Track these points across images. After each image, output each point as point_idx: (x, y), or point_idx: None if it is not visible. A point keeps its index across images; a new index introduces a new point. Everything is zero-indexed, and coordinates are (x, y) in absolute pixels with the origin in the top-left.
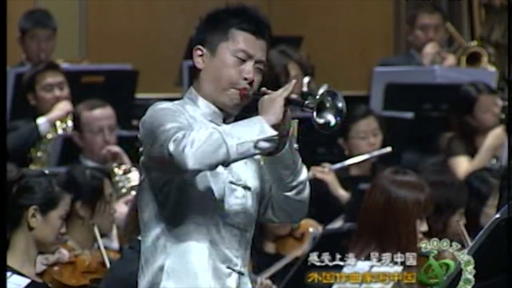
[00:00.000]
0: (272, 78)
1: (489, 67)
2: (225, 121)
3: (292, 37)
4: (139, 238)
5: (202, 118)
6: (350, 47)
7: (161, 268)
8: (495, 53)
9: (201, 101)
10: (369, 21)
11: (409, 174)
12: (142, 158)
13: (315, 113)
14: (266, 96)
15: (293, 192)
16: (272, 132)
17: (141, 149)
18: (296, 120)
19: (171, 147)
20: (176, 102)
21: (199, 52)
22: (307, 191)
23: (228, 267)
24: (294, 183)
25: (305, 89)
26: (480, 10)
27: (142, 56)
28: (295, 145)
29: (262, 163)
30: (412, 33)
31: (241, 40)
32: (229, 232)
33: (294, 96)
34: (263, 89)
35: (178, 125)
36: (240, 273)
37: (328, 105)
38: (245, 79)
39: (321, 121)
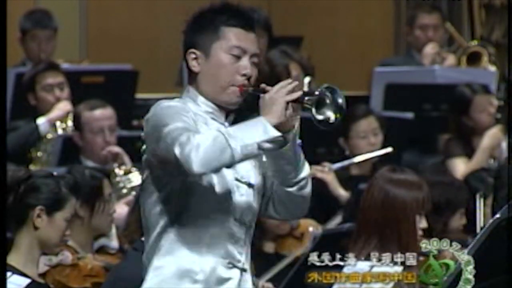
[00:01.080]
0: (273, 78)
1: (489, 67)
2: (227, 117)
3: (293, 37)
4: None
5: (205, 115)
6: (351, 47)
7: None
8: (495, 53)
9: (201, 100)
10: (370, 22)
11: (406, 172)
12: (145, 156)
13: (314, 109)
14: (267, 96)
15: (295, 187)
16: (275, 133)
17: (144, 147)
18: (298, 116)
19: (177, 150)
20: (177, 99)
21: (193, 56)
22: (309, 188)
23: (230, 263)
24: (297, 179)
25: (306, 89)
26: (480, 10)
27: (142, 56)
28: (298, 141)
29: (264, 159)
30: (412, 33)
31: (232, 37)
32: (237, 228)
33: (295, 95)
34: (263, 85)
35: (183, 125)
36: (243, 270)
37: (328, 101)
38: (243, 75)
39: (320, 117)
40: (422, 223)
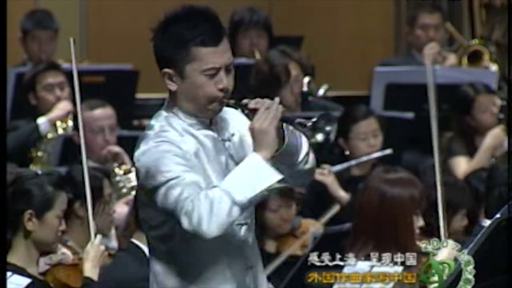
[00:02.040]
0: (273, 78)
1: (490, 65)
2: (210, 122)
3: (293, 37)
4: (133, 240)
5: (190, 129)
6: (351, 47)
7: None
8: (496, 50)
9: (183, 115)
10: (370, 21)
11: (400, 171)
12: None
13: (309, 133)
14: (256, 125)
15: (300, 165)
16: (276, 177)
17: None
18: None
19: (185, 222)
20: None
21: (168, 76)
22: (312, 158)
23: (245, 265)
24: (299, 159)
25: (305, 89)
26: (480, 10)
27: (143, 56)
28: (290, 127)
29: None
30: (413, 33)
31: (204, 58)
32: (240, 230)
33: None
34: (245, 101)
35: (181, 179)
36: (254, 268)
37: (318, 126)
38: (221, 90)
39: (312, 140)
40: (419, 222)
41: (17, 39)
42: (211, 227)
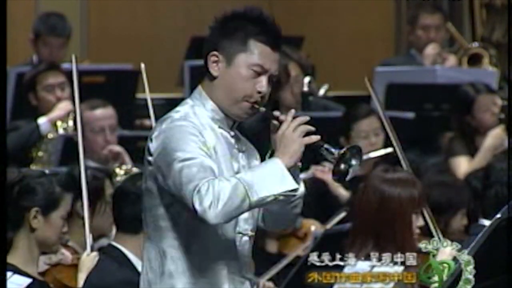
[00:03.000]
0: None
1: (490, 69)
2: (232, 127)
3: (293, 37)
4: (113, 243)
5: (212, 123)
6: (351, 47)
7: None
8: (496, 54)
9: (212, 106)
10: (370, 21)
11: (400, 171)
12: (151, 168)
13: (334, 162)
14: (287, 132)
15: (290, 206)
16: (293, 185)
17: (150, 158)
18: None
19: (196, 202)
20: (186, 106)
21: (215, 59)
22: (301, 205)
23: (242, 276)
24: (294, 198)
25: (305, 89)
26: (481, 10)
27: (143, 56)
28: (299, 164)
29: None
30: (414, 33)
31: (259, 54)
32: (241, 240)
33: (314, 138)
34: (277, 113)
35: (199, 161)
36: (250, 280)
37: (344, 157)
38: (259, 92)
39: (334, 168)
40: (419, 221)
41: (18, 39)
42: (219, 213)
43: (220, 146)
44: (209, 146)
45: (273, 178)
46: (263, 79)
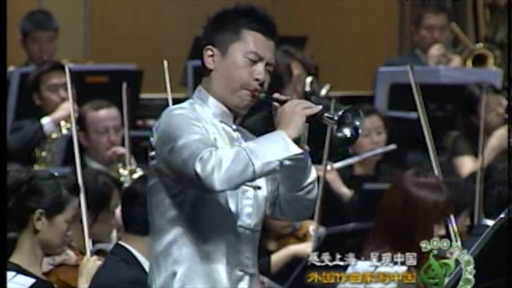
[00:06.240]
0: (275, 77)
1: (494, 69)
2: (234, 121)
3: (297, 37)
4: (121, 243)
5: (213, 119)
6: (355, 47)
7: (174, 274)
8: (500, 54)
9: (211, 101)
10: (374, 21)
11: (431, 175)
12: (154, 162)
13: (335, 127)
14: (287, 107)
15: (303, 191)
16: (296, 150)
17: (152, 153)
18: (307, 124)
19: (198, 168)
20: (185, 103)
21: (210, 52)
22: (315, 191)
23: (241, 270)
24: (305, 184)
25: (307, 88)
26: (484, 10)
27: (147, 56)
28: (306, 147)
29: None
30: (418, 34)
31: (252, 41)
32: (242, 234)
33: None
34: (276, 94)
35: (199, 137)
36: (252, 275)
37: (346, 120)
38: (257, 79)
39: (339, 134)
40: (441, 230)
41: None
42: (222, 178)
43: (220, 139)
44: (210, 136)
45: (277, 145)
46: (260, 66)
